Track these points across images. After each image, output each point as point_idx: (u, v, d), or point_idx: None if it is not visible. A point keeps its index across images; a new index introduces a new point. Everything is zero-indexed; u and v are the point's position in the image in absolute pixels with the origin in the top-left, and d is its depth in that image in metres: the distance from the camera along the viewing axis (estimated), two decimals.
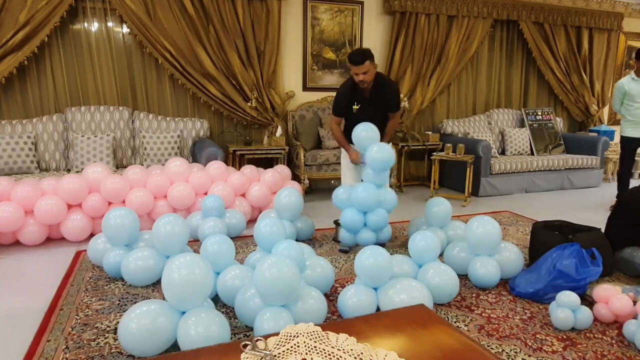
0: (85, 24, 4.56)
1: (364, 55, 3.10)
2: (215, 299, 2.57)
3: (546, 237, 3.01)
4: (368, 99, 3.33)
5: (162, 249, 2.71)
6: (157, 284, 2.77)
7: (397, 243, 3.66)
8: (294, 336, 1.12)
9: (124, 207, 3.17)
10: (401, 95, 3.43)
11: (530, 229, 3.31)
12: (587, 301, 2.52)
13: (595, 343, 2.21)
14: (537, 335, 2.28)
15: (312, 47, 5.42)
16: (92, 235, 3.49)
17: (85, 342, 2.17)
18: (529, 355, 2.10)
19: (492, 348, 2.17)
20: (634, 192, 3.18)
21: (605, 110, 7.23)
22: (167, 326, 1.98)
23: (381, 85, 3.27)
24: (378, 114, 3.34)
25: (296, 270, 2.09)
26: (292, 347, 1.09)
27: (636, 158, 5.38)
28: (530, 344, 2.20)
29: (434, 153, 5.23)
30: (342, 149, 3.53)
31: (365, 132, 3.22)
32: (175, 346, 2.03)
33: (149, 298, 2.60)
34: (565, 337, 2.26)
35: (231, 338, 2.21)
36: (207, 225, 3.34)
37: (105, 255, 2.87)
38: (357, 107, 3.34)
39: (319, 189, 5.46)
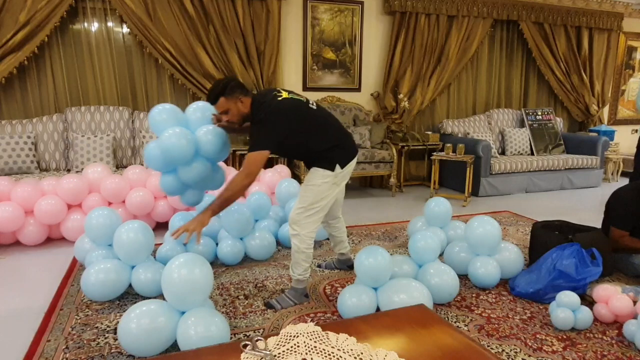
0: (85, 24, 4.56)
1: (214, 92, 2.44)
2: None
3: (546, 237, 3.01)
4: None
5: (127, 259, 2.59)
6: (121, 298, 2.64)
7: (397, 243, 3.66)
8: (294, 336, 1.12)
9: (108, 207, 3.01)
10: (272, 136, 2.37)
11: (530, 229, 3.31)
12: (587, 301, 2.52)
13: (595, 343, 2.21)
14: (537, 335, 2.28)
15: (312, 47, 5.42)
16: None
17: (85, 342, 2.17)
18: (529, 355, 2.10)
19: (492, 348, 2.17)
20: (614, 192, 3.20)
21: (605, 110, 7.23)
22: (166, 326, 1.98)
23: (253, 120, 2.48)
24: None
25: None
26: (292, 347, 1.09)
27: None
28: (530, 344, 2.20)
29: (434, 153, 5.23)
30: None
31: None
32: (175, 346, 2.03)
33: (149, 298, 2.60)
34: (565, 337, 2.27)
35: (231, 338, 2.21)
36: None
37: (88, 256, 2.76)
38: None
39: None
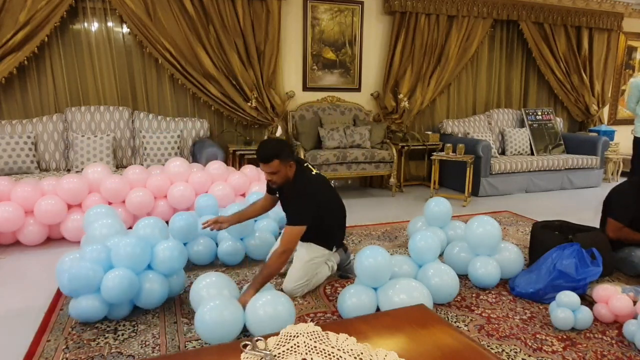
0: (85, 24, 4.55)
1: (271, 152, 2.47)
2: None
3: (546, 237, 3.01)
4: (282, 197, 2.79)
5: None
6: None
7: (397, 243, 3.66)
8: (294, 336, 1.12)
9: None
10: (303, 210, 2.50)
11: (530, 229, 3.31)
12: (587, 301, 2.52)
13: (595, 343, 2.21)
14: (537, 335, 2.28)
15: (312, 47, 5.42)
16: None
17: (85, 342, 2.17)
18: (529, 355, 2.10)
19: (492, 348, 2.17)
20: (613, 188, 3.22)
21: (605, 110, 7.24)
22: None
23: (290, 190, 2.62)
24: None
25: None
26: (292, 347, 1.09)
27: None
28: (530, 344, 2.20)
29: (434, 153, 5.23)
30: None
31: None
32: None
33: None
34: (565, 337, 2.27)
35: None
36: None
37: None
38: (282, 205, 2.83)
39: None
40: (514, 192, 5.57)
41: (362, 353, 1.07)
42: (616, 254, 3.04)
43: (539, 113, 6.36)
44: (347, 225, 2.97)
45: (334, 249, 2.85)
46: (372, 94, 5.80)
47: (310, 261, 2.68)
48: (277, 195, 2.85)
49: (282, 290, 2.67)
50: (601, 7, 6.51)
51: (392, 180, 5.31)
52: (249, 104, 4.99)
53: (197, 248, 3.02)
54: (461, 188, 5.20)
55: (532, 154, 6.11)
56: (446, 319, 2.45)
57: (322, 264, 2.79)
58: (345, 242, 3.17)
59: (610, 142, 6.45)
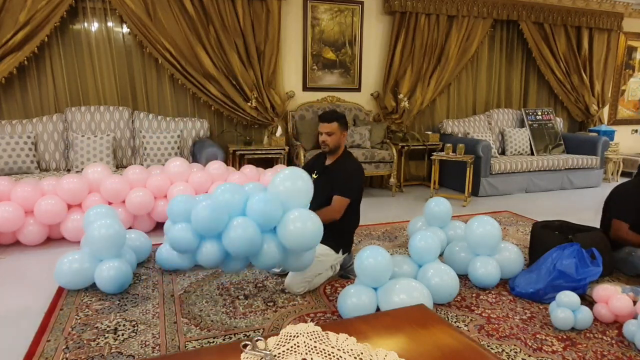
0: (85, 24, 4.55)
1: (334, 115, 2.89)
2: None
3: (546, 237, 3.01)
4: (324, 172, 2.98)
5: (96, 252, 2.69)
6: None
7: (397, 243, 3.66)
8: (294, 336, 1.12)
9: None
10: (352, 183, 2.79)
11: (530, 229, 3.31)
12: (587, 301, 2.52)
13: (595, 343, 2.21)
14: (537, 335, 2.28)
15: (312, 47, 5.42)
16: None
17: (85, 342, 2.17)
18: (529, 355, 2.10)
19: (492, 348, 2.17)
20: (615, 187, 3.23)
21: (605, 110, 7.23)
22: None
23: (340, 164, 2.92)
24: (325, 191, 2.84)
25: None
26: (292, 347, 1.09)
27: None
28: (530, 344, 2.20)
29: (434, 153, 5.23)
30: None
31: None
32: None
33: (149, 298, 2.61)
34: (565, 337, 2.27)
35: (231, 338, 2.22)
36: None
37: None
38: (315, 176, 2.98)
39: None
40: (514, 192, 5.57)
41: (362, 353, 1.07)
42: (616, 254, 3.04)
43: (539, 113, 6.36)
44: None
45: (341, 253, 2.86)
46: (372, 94, 5.80)
47: (316, 258, 2.71)
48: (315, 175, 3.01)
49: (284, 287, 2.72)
50: (601, 7, 6.51)
51: (392, 180, 5.31)
52: (249, 104, 4.98)
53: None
54: (461, 188, 5.20)
55: (532, 154, 6.11)
56: (446, 319, 2.45)
57: (327, 264, 2.81)
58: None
59: (610, 142, 6.45)
